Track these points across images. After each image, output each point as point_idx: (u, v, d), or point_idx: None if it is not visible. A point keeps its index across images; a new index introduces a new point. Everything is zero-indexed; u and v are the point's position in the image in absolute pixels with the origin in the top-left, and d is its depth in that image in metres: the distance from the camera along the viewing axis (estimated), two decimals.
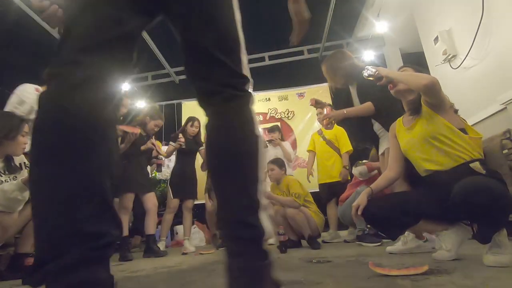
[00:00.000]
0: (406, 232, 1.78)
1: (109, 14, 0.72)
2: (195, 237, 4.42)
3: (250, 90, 0.83)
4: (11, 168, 1.98)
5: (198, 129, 3.61)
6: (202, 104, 0.82)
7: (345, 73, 2.35)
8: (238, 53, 0.81)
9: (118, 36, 0.72)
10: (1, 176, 1.92)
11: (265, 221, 0.74)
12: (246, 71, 0.82)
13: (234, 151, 0.76)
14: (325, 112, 2.30)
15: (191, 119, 3.62)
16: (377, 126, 2.29)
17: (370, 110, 2.19)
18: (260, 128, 4.18)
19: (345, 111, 2.25)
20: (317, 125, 4.35)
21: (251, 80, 0.84)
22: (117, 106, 0.75)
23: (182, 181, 3.38)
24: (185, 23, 0.79)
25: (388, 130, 1.97)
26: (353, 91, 2.39)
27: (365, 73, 1.78)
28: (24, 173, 2.01)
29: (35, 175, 0.63)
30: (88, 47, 0.68)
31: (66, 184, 0.61)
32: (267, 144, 3.90)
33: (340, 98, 2.52)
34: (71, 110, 0.63)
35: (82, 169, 0.62)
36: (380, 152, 2.31)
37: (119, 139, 2.88)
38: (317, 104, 2.67)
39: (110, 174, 0.69)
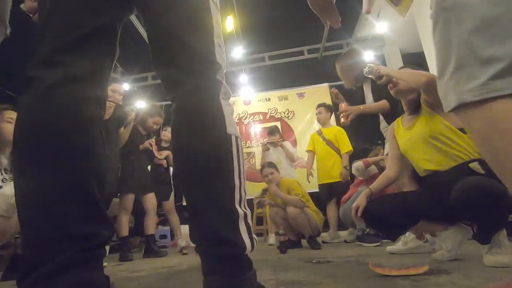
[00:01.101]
0: (407, 233, 1.78)
1: (86, 5, 0.67)
2: None
3: (223, 79, 0.73)
4: None
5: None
6: (168, 98, 0.73)
7: (358, 73, 2.33)
8: (208, 36, 0.71)
9: (96, 28, 0.68)
10: (7, 173, 1.91)
11: (244, 233, 0.65)
12: (219, 56, 0.72)
13: (201, 157, 0.66)
14: (341, 108, 2.29)
15: (165, 125, 3.65)
16: (383, 125, 2.31)
17: (386, 108, 2.21)
18: (259, 128, 4.11)
19: (361, 106, 2.28)
20: (316, 126, 4.34)
21: (224, 65, 0.74)
22: (102, 103, 0.70)
23: (156, 185, 3.31)
24: (148, 2, 0.71)
25: None
26: (367, 89, 2.42)
27: (366, 70, 1.78)
28: None
29: (19, 179, 0.61)
30: (65, 45, 0.65)
31: (49, 187, 0.59)
32: (269, 147, 3.90)
33: (355, 98, 2.53)
34: (48, 113, 0.61)
35: (64, 171, 0.60)
36: (385, 152, 2.30)
37: (122, 128, 2.88)
38: (338, 96, 2.67)
39: (100, 172, 0.66)
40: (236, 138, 0.69)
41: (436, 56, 0.68)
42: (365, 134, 2.42)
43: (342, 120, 2.32)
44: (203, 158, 0.66)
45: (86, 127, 0.64)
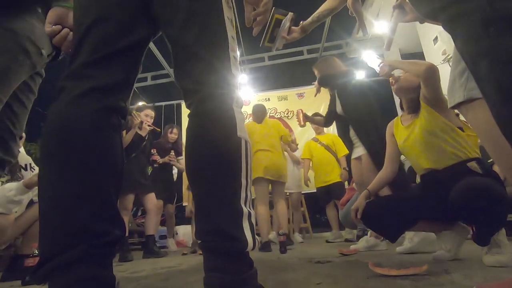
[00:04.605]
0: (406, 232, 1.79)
1: (116, 26, 0.75)
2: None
3: (237, 88, 0.79)
4: (13, 169, 1.97)
5: (177, 136, 3.71)
6: (186, 105, 0.79)
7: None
8: (224, 50, 0.77)
9: (124, 47, 0.75)
10: (4, 176, 1.91)
11: (247, 230, 0.68)
12: (234, 67, 0.78)
13: (211, 156, 0.71)
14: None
15: (170, 126, 3.75)
16: (352, 133, 2.36)
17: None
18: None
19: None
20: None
21: (239, 77, 0.80)
22: (124, 113, 0.76)
23: (162, 186, 3.41)
24: (167, 19, 0.78)
25: (359, 138, 2.24)
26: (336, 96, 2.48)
27: (370, 63, 1.78)
28: (28, 175, 2.00)
29: (42, 177, 0.66)
30: (94, 61, 0.72)
31: (69, 185, 0.63)
32: None
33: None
34: (74, 118, 0.67)
35: (84, 171, 0.65)
36: (353, 157, 2.40)
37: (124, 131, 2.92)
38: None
39: (117, 175, 0.71)
40: (246, 142, 0.74)
41: (453, 52, 0.71)
42: (346, 139, 2.50)
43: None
44: (214, 157, 0.71)
45: (107, 133, 0.70)
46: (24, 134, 2.14)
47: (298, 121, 2.76)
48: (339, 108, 2.39)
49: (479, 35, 0.53)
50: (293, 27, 1.34)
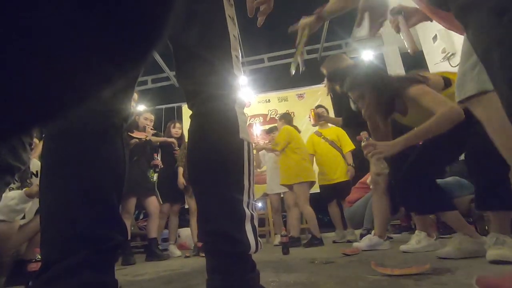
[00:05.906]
0: (417, 231, 1.81)
1: None
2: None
3: (238, 89, 0.78)
4: (24, 175, 1.97)
5: (181, 130, 3.55)
6: (188, 106, 0.78)
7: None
8: (225, 50, 0.76)
9: None
10: (14, 183, 1.91)
11: (250, 233, 0.68)
12: (236, 67, 0.78)
13: (213, 157, 0.70)
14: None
15: (172, 122, 3.64)
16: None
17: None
18: (259, 130, 4.31)
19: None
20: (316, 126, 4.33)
21: (241, 77, 0.79)
22: (126, 116, 0.75)
23: (170, 185, 3.26)
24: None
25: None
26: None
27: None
28: (37, 181, 2.01)
29: (44, 181, 0.65)
30: None
31: (69, 190, 0.62)
32: (262, 148, 3.87)
33: (341, 105, 2.60)
34: (76, 122, 0.65)
35: (86, 175, 0.64)
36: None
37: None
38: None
39: (120, 178, 0.70)
40: (248, 143, 0.73)
41: (462, 47, 0.70)
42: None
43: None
44: (215, 159, 0.70)
45: (109, 136, 0.69)
46: (36, 141, 2.14)
47: (311, 120, 2.93)
48: (352, 105, 2.26)
49: (492, 24, 0.51)
50: (310, 20, 1.33)
